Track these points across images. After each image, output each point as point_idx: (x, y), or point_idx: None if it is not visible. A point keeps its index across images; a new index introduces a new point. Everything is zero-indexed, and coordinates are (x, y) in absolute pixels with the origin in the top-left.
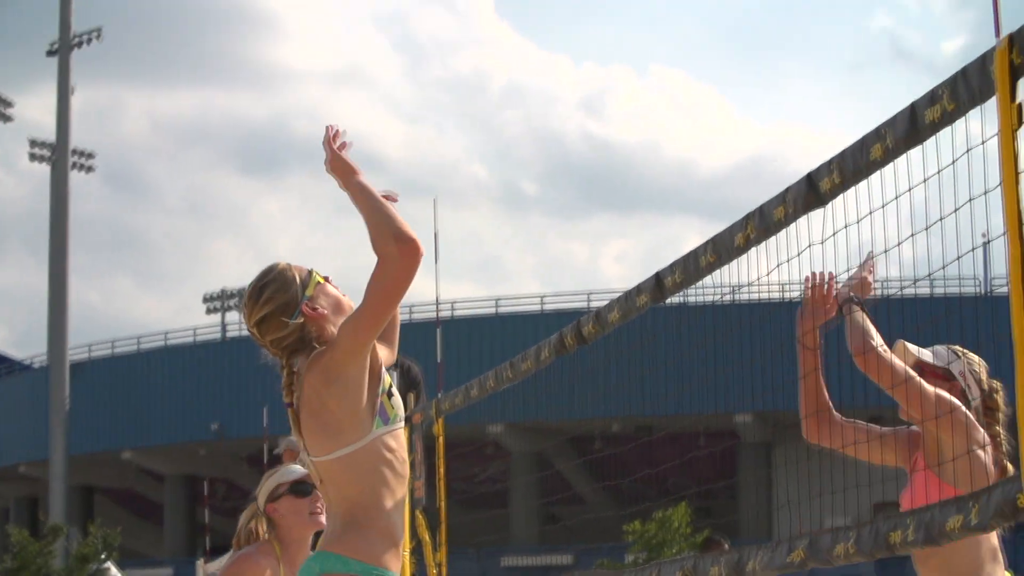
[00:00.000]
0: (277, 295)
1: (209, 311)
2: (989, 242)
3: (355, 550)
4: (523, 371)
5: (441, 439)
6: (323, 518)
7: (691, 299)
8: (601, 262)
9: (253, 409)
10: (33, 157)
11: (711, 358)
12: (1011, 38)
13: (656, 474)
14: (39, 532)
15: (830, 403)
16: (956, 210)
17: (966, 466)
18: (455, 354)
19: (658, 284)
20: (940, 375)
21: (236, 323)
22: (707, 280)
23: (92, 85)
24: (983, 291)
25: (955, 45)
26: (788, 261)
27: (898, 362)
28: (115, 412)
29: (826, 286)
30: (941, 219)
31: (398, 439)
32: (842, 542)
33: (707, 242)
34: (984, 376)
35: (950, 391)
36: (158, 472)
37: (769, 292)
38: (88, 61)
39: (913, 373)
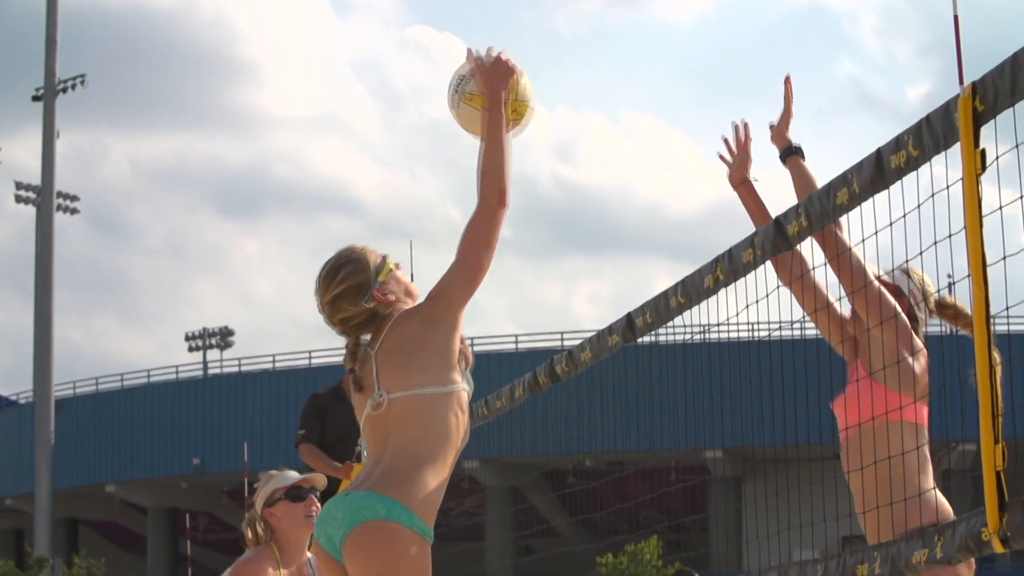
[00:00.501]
0: (351, 277)
1: (191, 349)
2: (954, 284)
3: (419, 505)
4: (497, 408)
5: None
6: (307, 520)
7: (662, 338)
8: (573, 302)
9: (233, 444)
10: (19, 199)
11: (682, 395)
12: (974, 86)
13: (628, 508)
14: (24, 564)
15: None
16: (921, 253)
17: (908, 370)
18: None
19: (629, 324)
20: (891, 289)
21: (217, 361)
22: (677, 320)
23: (76, 129)
24: (948, 331)
25: (920, 92)
26: (757, 302)
27: (860, 262)
28: (99, 447)
29: (743, 137)
30: (907, 261)
31: (467, 408)
32: (810, 575)
33: (677, 284)
34: (930, 291)
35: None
36: (141, 505)
37: (738, 332)
38: (72, 106)
39: (872, 277)
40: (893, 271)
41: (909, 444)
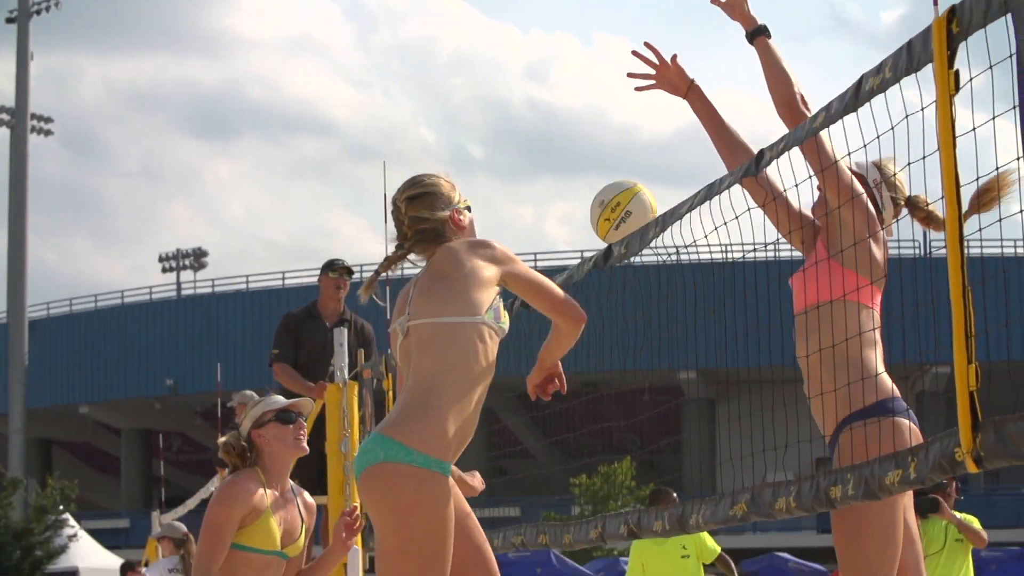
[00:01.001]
0: (436, 187)
1: (164, 270)
2: (928, 205)
3: (419, 440)
4: None
5: (391, 394)
6: (305, 444)
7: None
8: (547, 224)
9: (207, 365)
10: None
11: (655, 316)
12: (952, 9)
13: (601, 430)
14: None
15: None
16: (895, 174)
17: (866, 252)
18: None
19: (606, 255)
20: (857, 177)
21: (191, 282)
22: (651, 240)
23: (50, 52)
24: (922, 253)
25: (894, 15)
26: (726, 224)
27: (828, 143)
28: (73, 368)
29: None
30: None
31: (494, 345)
32: (783, 496)
33: (656, 218)
34: (901, 185)
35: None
36: (115, 426)
37: (711, 253)
38: (46, 28)
39: (838, 158)
40: (867, 164)
41: (865, 326)
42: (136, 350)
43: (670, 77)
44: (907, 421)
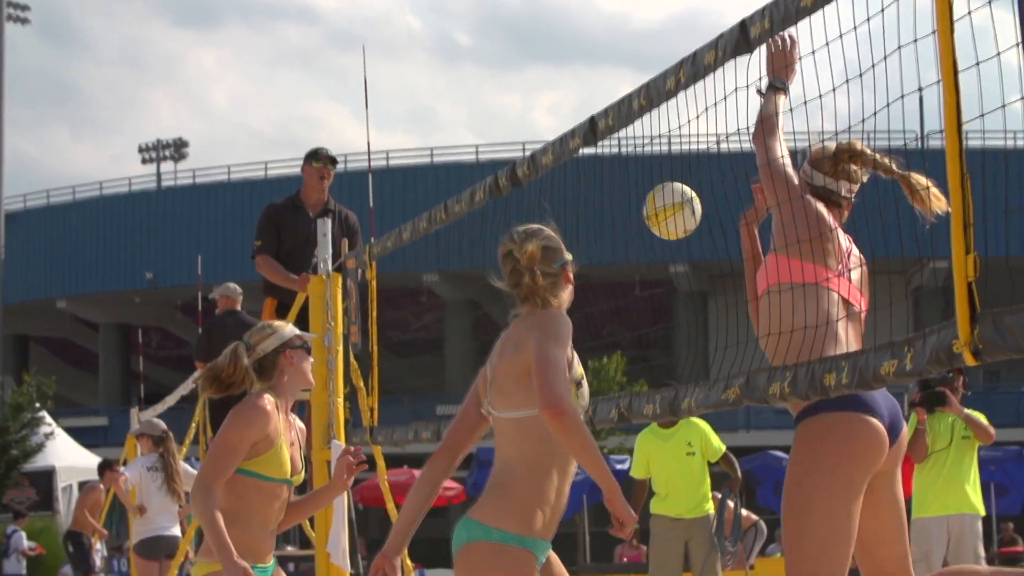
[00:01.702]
0: (556, 242)
1: (144, 161)
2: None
3: (496, 518)
4: (456, 213)
5: (374, 283)
6: (311, 377)
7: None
8: (534, 113)
9: (187, 258)
10: None
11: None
12: None
13: (591, 322)
14: None
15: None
16: (885, 58)
17: (817, 246)
18: (390, 203)
19: (591, 127)
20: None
21: (171, 173)
22: (640, 129)
23: None
24: (919, 144)
25: None
26: (715, 105)
27: (776, 147)
28: (50, 261)
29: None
30: (873, 66)
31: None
32: (777, 381)
33: (640, 87)
34: (828, 151)
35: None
36: (92, 321)
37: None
38: None
39: (780, 156)
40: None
41: (826, 314)
42: (115, 243)
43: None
44: (865, 416)
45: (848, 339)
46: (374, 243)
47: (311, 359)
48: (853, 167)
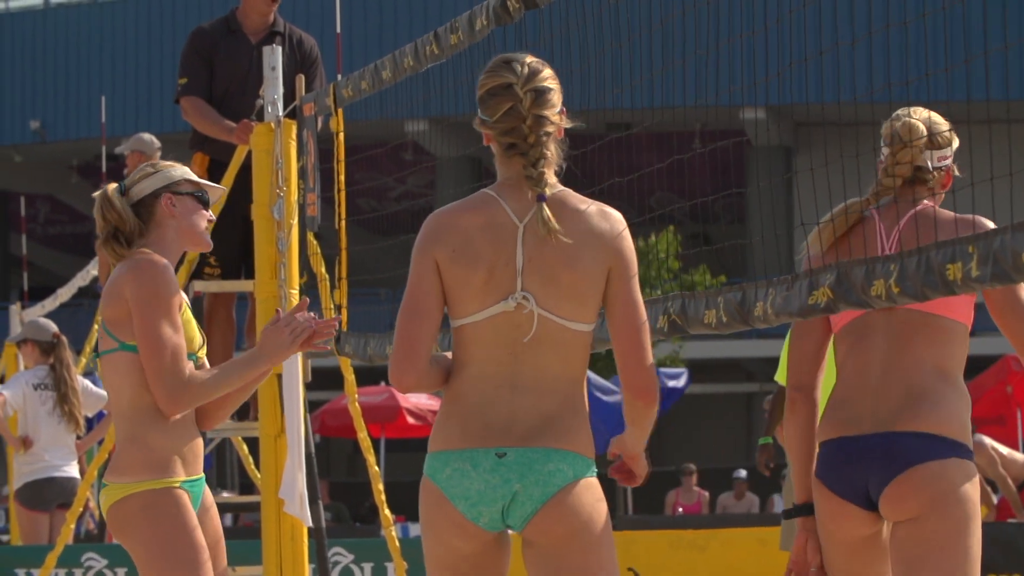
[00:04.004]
0: (557, 84)
1: None
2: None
3: (587, 447)
4: (451, 46)
5: (341, 136)
6: (209, 239)
7: None
8: None
9: (86, 101)
10: None
11: (712, 35)
12: None
13: (635, 187)
14: None
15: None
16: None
17: None
18: (361, 25)
19: None
20: None
21: None
22: None
23: None
24: None
25: None
26: None
27: None
28: None
29: None
30: None
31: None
32: (881, 278)
33: None
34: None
35: None
36: None
37: None
38: None
39: None
40: None
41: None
42: None
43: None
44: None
45: None
46: (342, 82)
47: (208, 214)
48: None
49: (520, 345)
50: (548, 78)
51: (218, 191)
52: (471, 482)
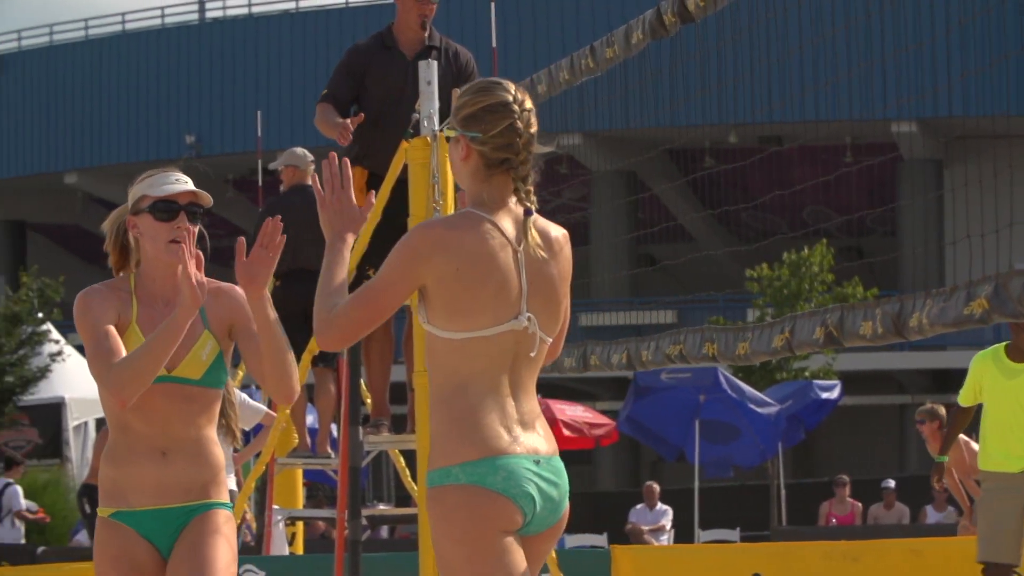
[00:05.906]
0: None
1: None
2: None
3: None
4: (607, 60)
5: None
6: (186, 252)
7: None
8: None
9: (241, 116)
10: None
11: (863, 45)
12: None
13: (788, 200)
14: None
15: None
16: None
17: None
18: (516, 38)
19: None
20: None
21: (218, 1)
22: None
23: None
24: None
25: None
26: None
27: None
28: (54, 121)
29: None
30: None
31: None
32: None
33: None
34: None
35: None
36: (112, 201)
37: None
38: None
39: None
40: None
41: None
42: (143, 96)
43: None
44: None
45: None
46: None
47: (176, 223)
48: None
49: (519, 359)
50: (531, 102)
51: (201, 196)
52: (528, 485)
